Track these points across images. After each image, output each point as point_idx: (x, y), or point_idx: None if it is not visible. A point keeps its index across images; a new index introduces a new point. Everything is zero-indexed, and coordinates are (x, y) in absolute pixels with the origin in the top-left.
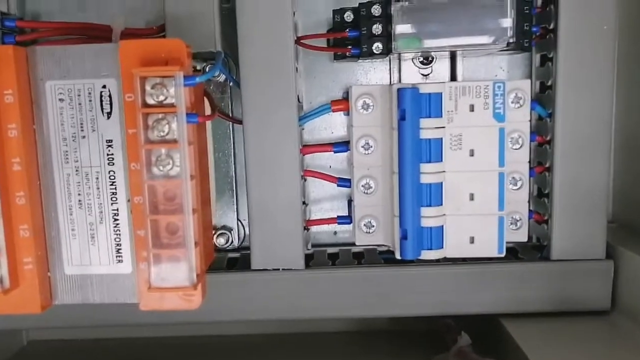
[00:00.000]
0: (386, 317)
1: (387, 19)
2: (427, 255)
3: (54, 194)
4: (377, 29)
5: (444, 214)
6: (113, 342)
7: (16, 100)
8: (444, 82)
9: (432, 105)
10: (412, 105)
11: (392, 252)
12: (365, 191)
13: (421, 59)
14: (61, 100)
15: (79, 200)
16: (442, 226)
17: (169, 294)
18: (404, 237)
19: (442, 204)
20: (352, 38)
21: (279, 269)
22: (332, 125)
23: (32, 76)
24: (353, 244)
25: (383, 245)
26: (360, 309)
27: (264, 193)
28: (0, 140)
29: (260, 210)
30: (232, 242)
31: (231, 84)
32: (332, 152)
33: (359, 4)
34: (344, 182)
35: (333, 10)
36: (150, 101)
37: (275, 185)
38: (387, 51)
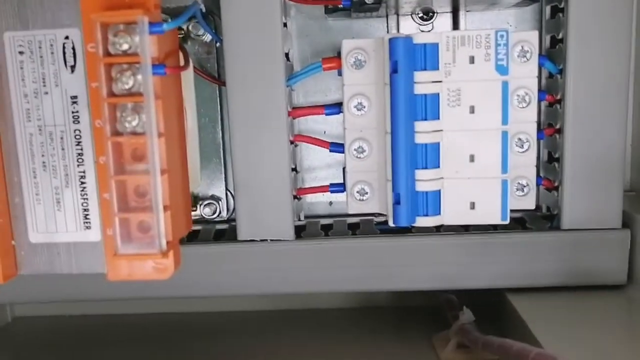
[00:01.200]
0: (381, 291)
1: None
2: (422, 222)
3: (15, 156)
4: None
5: (442, 177)
6: (101, 318)
7: None
8: (440, 32)
9: (427, 56)
10: (405, 57)
11: (386, 223)
12: (358, 155)
13: (420, 14)
14: (21, 53)
15: (43, 162)
16: (439, 190)
17: (138, 263)
18: (396, 202)
19: (439, 167)
20: None
21: (267, 240)
22: (327, 88)
23: None
24: (349, 215)
25: (379, 214)
26: (354, 282)
27: (250, 158)
28: None
29: (247, 177)
30: (219, 212)
31: (217, 44)
32: (324, 115)
33: None
34: (337, 147)
35: None
36: (113, 50)
37: (262, 150)
38: (379, 0)
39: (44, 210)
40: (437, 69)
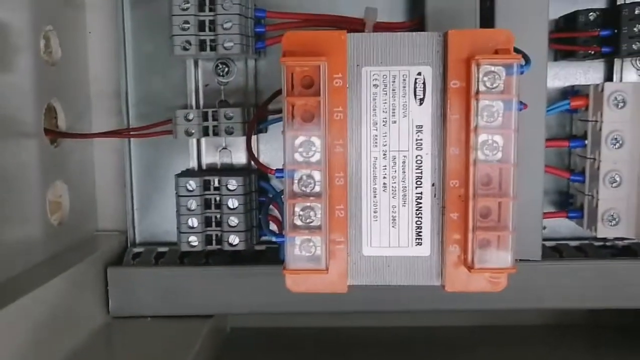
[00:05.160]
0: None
1: None
2: None
3: (359, 177)
4: (638, 28)
5: None
6: (312, 330)
7: (344, 84)
8: None
9: None
10: None
11: (615, 247)
12: (611, 185)
13: None
14: (375, 85)
15: (384, 183)
16: None
17: (476, 278)
18: None
19: None
20: (603, 37)
21: (516, 260)
22: None
23: (349, 62)
24: (569, 239)
25: (625, 238)
26: (593, 300)
27: None
28: (329, 123)
29: None
30: None
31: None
32: (569, 147)
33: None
34: (577, 177)
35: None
36: (482, 88)
37: (521, 177)
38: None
39: (380, 226)
40: None
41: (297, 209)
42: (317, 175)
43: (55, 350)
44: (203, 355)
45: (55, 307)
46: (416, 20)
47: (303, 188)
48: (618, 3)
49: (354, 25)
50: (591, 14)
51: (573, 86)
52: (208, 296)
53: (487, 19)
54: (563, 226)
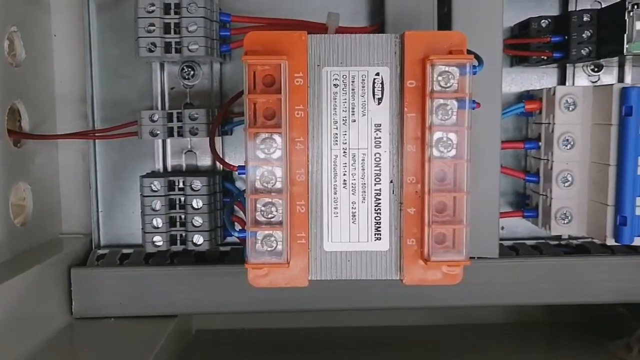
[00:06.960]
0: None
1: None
2: (638, 241)
3: (320, 174)
4: (586, 34)
5: None
6: (279, 332)
7: (305, 83)
8: None
9: None
10: (638, 103)
11: (569, 246)
12: (564, 184)
13: (592, 66)
14: (335, 85)
15: (344, 180)
16: None
17: (432, 271)
18: (622, 224)
19: None
20: (555, 43)
21: (474, 258)
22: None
23: (309, 62)
24: (526, 238)
25: (579, 237)
26: (547, 296)
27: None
28: (290, 121)
29: None
30: None
31: None
32: (523, 149)
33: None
34: (532, 177)
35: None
36: (436, 87)
37: (476, 177)
38: (596, 56)
39: (340, 222)
40: None
41: (258, 205)
42: (278, 172)
43: (15, 349)
44: (165, 355)
45: (15, 307)
46: (377, 26)
47: (264, 184)
48: (569, 10)
49: (317, 30)
50: (543, 21)
51: (528, 91)
52: (172, 296)
53: (444, 24)
54: (521, 227)
